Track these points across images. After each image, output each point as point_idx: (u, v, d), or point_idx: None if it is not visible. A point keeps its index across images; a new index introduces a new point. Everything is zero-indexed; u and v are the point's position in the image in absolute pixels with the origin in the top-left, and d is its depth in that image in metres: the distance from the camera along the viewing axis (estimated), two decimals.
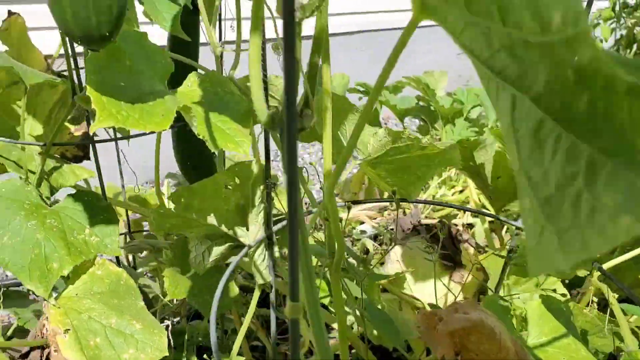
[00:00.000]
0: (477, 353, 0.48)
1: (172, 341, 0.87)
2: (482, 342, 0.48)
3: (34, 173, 0.96)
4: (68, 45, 0.80)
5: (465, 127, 2.02)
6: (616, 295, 0.87)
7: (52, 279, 0.77)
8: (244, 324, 0.71)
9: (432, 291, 1.02)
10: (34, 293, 0.77)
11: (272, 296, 0.73)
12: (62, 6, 0.45)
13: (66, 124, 1.10)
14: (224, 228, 0.67)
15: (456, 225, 1.17)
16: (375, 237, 1.37)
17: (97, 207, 0.87)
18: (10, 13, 1.02)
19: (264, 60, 0.54)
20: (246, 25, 0.51)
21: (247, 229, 0.68)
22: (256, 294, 0.71)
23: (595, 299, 0.96)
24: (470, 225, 1.38)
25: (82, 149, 1.09)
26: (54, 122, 1.10)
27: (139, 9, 0.95)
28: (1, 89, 1.03)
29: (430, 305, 1.03)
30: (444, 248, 1.06)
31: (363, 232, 1.37)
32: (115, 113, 0.58)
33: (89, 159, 1.09)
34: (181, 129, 0.98)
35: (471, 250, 1.06)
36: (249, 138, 0.61)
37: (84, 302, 0.79)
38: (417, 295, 1.03)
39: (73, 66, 0.83)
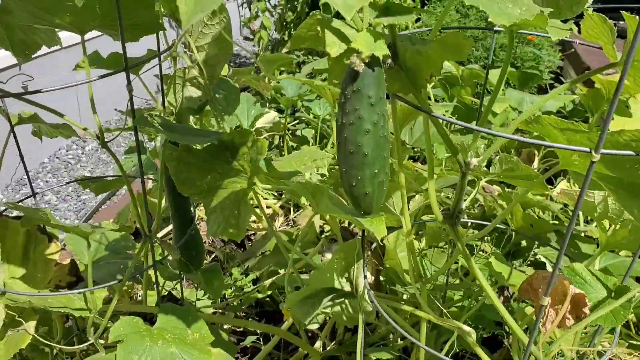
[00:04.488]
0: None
1: None
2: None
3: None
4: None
5: None
6: None
7: None
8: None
9: None
10: None
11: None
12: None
13: (49, 257, 1.16)
14: (337, 284, 1.00)
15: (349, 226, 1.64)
16: None
17: (178, 312, 1.06)
18: None
19: None
20: None
21: (351, 283, 1.02)
22: (361, 319, 1.05)
23: None
24: None
25: (75, 274, 1.16)
26: (35, 259, 1.14)
27: None
28: None
29: None
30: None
31: None
32: None
33: (82, 280, 1.17)
34: None
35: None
36: None
37: None
38: None
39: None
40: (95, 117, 0.88)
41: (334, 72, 0.76)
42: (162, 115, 1.07)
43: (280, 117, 2.94)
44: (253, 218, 2.49)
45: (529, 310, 1.27)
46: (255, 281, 2.04)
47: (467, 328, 0.91)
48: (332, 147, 2.68)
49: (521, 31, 1.11)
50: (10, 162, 1.12)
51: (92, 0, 0.80)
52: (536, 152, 2.46)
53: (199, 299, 1.83)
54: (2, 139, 1.15)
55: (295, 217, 2.46)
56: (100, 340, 1.07)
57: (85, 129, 0.91)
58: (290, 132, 3.17)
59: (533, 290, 0.92)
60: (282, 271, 1.91)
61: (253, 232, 2.41)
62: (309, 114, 3.02)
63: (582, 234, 1.57)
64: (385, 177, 0.74)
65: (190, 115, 1.09)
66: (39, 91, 0.79)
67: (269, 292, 1.97)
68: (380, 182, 0.73)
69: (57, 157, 4.00)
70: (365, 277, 0.99)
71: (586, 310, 0.91)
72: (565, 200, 0.97)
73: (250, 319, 1.94)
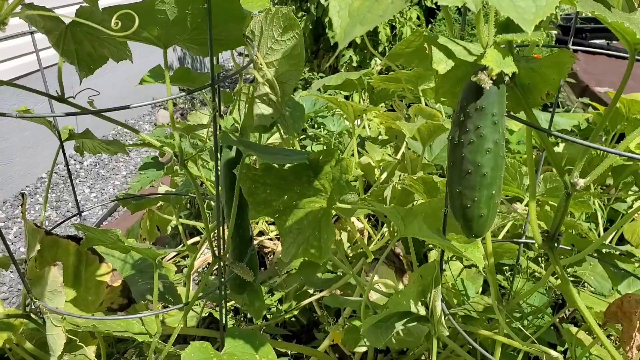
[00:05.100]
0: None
1: None
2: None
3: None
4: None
5: None
6: None
7: None
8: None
9: None
10: None
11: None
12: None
13: (100, 278, 1.11)
14: (412, 308, 0.97)
15: (395, 247, 1.60)
16: None
17: (245, 335, 1.01)
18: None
19: None
20: None
21: (427, 307, 0.99)
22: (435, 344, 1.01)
23: None
24: None
25: (126, 296, 1.11)
26: (86, 281, 1.10)
27: None
28: None
29: None
30: (395, 261, 1.51)
31: None
32: None
33: (134, 302, 1.12)
34: None
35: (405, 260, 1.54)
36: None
37: None
38: None
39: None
40: (175, 134, 0.85)
41: (442, 88, 0.74)
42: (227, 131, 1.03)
43: None
44: (269, 236, 2.45)
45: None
46: (280, 300, 1.99)
47: (555, 353, 0.89)
48: None
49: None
50: (8, 177, 1.07)
51: (183, 14, 0.76)
52: (553, 170, 2.47)
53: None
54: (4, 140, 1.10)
55: None
56: None
57: (161, 147, 0.87)
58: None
59: (623, 314, 0.90)
60: (311, 291, 1.87)
61: (270, 250, 2.36)
62: (318, 129, 3.00)
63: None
64: (499, 198, 0.71)
65: (252, 133, 1.06)
66: (127, 107, 0.76)
67: (295, 312, 1.93)
68: (495, 203, 0.70)
69: (55, 172, 3.91)
70: (442, 300, 0.96)
71: None
72: None
73: (279, 339, 1.89)
